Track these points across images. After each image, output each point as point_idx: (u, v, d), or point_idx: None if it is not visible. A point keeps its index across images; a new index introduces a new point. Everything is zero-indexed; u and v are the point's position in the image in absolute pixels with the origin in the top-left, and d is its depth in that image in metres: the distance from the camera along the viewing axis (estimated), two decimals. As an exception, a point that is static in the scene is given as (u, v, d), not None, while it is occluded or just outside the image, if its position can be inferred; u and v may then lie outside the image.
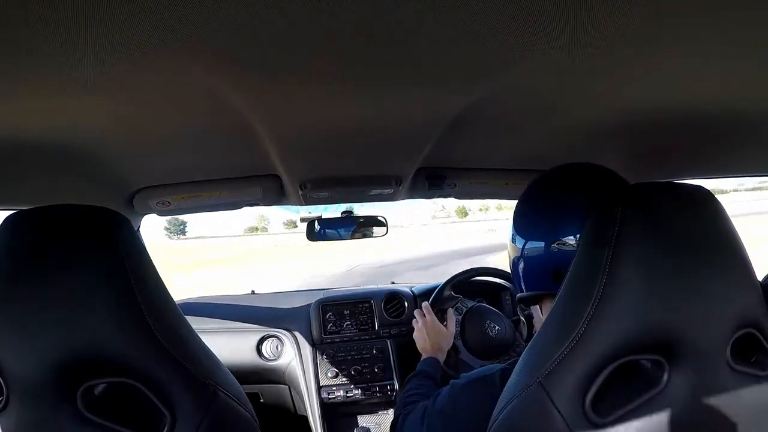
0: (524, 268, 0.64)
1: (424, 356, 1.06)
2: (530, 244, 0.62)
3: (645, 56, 0.46)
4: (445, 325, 1.13)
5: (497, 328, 1.23)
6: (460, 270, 1.38)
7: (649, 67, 0.49)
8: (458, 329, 1.26)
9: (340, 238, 1.39)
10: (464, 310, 1.30)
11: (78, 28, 0.35)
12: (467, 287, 1.44)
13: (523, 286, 0.65)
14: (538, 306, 0.66)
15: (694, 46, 0.44)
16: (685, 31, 0.41)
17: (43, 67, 0.42)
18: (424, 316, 1.13)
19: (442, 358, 1.06)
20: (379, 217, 1.38)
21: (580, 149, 0.83)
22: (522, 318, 1.22)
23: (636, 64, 0.49)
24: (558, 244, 0.58)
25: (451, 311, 1.21)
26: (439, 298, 1.31)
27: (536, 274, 0.62)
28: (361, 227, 1.36)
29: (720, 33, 0.42)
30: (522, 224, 0.65)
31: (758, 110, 0.63)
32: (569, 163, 0.65)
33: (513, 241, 0.66)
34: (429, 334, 1.09)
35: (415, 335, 1.13)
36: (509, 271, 0.70)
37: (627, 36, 0.42)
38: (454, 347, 1.22)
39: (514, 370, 0.49)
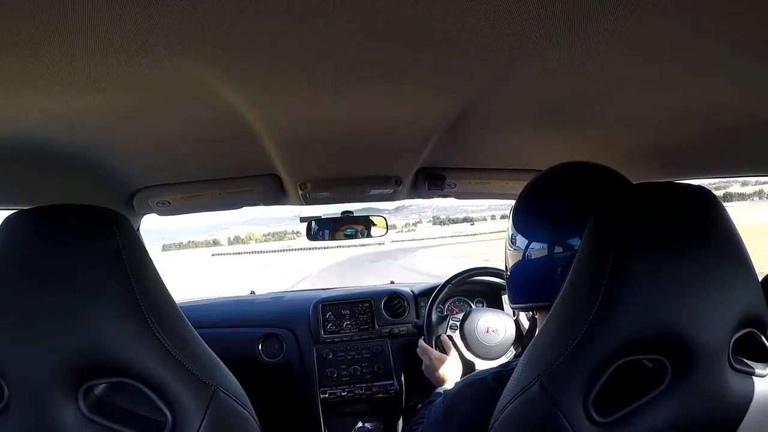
0: (526, 274, 0.59)
1: (437, 389, 1.09)
2: (534, 245, 0.57)
3: (646, 60, 0.46)
4: (446, 352, 1.15)
5: (497, 328, 1.23)
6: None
7: (650, 70, 0.49)
8: (464, 342, 1.25)
9: (337, 238, 1.38)
10: (457, 326, 1.28)
11: (78, 29, 0.35)
12: (464, 292, 1.43)
13: (520, 297, 0.61)
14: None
15: (695, 49, 0.44)
16: (686, 36, 0.41)
17: (43, 68, 0.42)
18: (425, 354, 1.16)
19: None
20: (378, 217, 1.38)
21: (579, 149, 0.83)
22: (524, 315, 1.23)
23: (637, 68, 0.49)
24: (562, 248, 0.54)
25: (444, 337, 1.20)
26: (429, 328, 1.28)
27: (541, 279, 0.56)
28: (361, 227, 1.36)
29: (722, 38, 0.42)
30: (525, 222, 0.60)
31: (760, 110, 0.63)
32: (576, 161, 0.60)
33: (513, 242, 0.61)
34: (435, 369, 1.12)
35: (425, 373, 1.16)
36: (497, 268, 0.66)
37: (628, 40, 0.42)
38: (467, 366, 1.21)
39: (516, 368, 0.48)
